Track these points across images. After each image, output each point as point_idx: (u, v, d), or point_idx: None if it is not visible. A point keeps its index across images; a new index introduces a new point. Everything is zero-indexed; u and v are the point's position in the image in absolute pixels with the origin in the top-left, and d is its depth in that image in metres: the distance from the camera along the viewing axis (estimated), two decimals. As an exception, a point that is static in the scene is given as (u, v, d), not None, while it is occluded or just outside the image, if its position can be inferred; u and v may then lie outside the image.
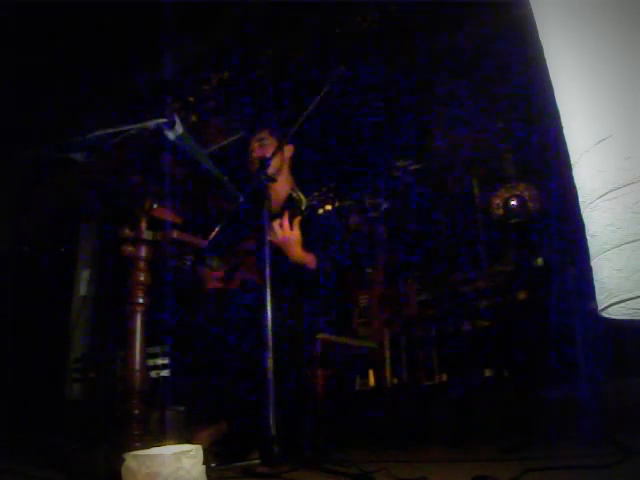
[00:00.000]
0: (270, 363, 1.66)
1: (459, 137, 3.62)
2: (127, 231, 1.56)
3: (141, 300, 1.54)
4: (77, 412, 3.17)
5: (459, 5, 3.14)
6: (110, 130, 1.48)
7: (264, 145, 2.36)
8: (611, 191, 0.77)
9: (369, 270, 2.62)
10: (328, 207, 2.02)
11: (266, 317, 1.71)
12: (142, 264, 1.56)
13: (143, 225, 1.57)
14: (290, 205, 2.33)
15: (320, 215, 2.13)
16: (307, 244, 2.16)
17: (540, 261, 3.10)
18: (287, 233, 2.04)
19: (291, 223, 2.07)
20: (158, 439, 1.52)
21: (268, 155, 2.06)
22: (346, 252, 2.39)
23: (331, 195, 2.02)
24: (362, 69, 3.53)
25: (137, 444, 1.39)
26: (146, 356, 1.57)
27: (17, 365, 3.55)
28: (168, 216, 1.63)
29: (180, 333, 2.18)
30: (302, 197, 2.32)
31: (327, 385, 2.11)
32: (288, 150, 2.43)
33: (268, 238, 1.83)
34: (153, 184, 1.59)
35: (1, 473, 1.65)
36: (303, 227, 2.16)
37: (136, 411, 1.47)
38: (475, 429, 2.51)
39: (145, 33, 3.55)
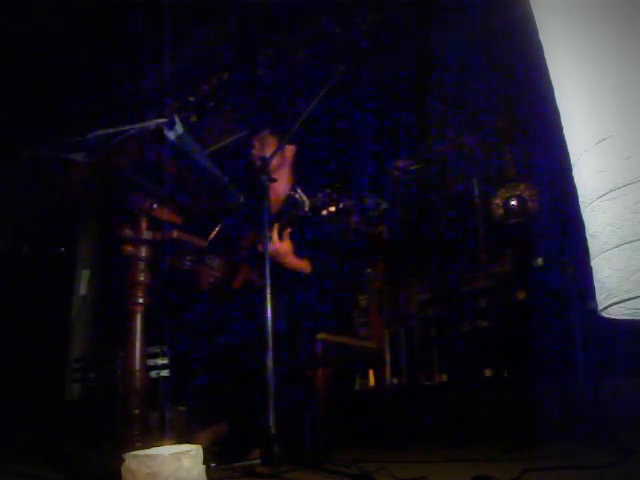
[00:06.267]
0: (270, 363, 1.66)
1: (459, 137, 3.62)
2: (127, 231, 1.56)
3: (141, 300, 1.54)
4: (77, 412, 3.16)
5: (459, 5, 3.15)
6: (110, 130, 1.48)
7: (265, 144, 2.35)
8: (611, 191, 0.77)
9: (369, 270, 2.61)
10: (332, 209, 2.02)
11: (266, 317, 1.72)
12: (142, 264, 1.56)
13: (143, 225, 1.57)
14: (290, 206, 2.32)
15: (320, 218, 2.13)
16: (306, 248, 2.17)
17: (540, 261, 3.10)
18: (277, 246, 2.05)
19: (281, 234, 2.07)
20: (158, 439, 1.52)
21: (268, 154, 2.06)
22: (345, 254, 2.39)
23: (334, 197, 2.02)
24: (362, 69, 3.53)
25: (137, 444, 1.39)
26: (146, 356, 1.56)
27: (17, 365, 3.55)
28: (168, 216, 1.63)
29: (180, 333, 2.18)
30: (305, 198, 2.31)
31: (327, 385, 2.11)
32: (289, 151, 2.42)
33: (264, 245, 1.84)
34: (153, 184, 1.59)
35: (1, 473, 1.65)
36: (304, 230, 2.17)
37: (136, 411, 1.47)
38: (475, 429, 2.51)
39: (145, 33, 3.55)
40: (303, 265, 2.18)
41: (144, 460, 1.08)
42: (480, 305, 3.29)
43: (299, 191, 2.38)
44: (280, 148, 2.12)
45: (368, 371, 3.24)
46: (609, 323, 0.87)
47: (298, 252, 2.15)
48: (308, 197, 2.28)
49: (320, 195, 2.03)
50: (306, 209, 2.09)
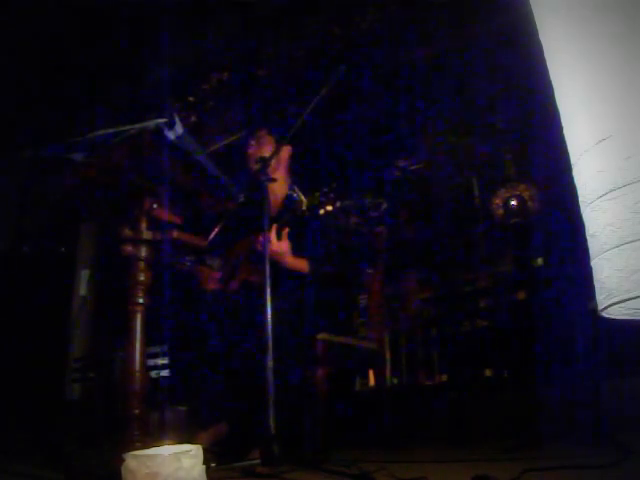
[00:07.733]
0: (270, 363, 1.66)
1: (459, 137, 3.62)
2: (127, 231, 1.56)
3: (141, 300, 1.54)
4: (77, 412, 3.17)
5: (459, 5, 3.15)
6: (110, 130, 1.48)
7: (261, 144, 2.35)
8: (611, 191, 0.77)
9: (369, 270, 2.61)
10: (329, 207, 2.01)
11: (266, 317, 1.72)
12: (142, 264, 1.56)
13: (143, 225, 1.57)
14: (288, 206, 2.32)
15: (318, 217, 2.13)
16: (304, 246, 2.17)
17: (540, 261, 3.10)
18: (275, 246, 2.04)
19: (279, 234, 2.07)
20: (158, 439, 1.52)
21: (264, 154, 2.05)
22: (344, 253, 2.39)
23: (332, 195, 2.02)
24: (362, 69, 3.53)
25: (137, 444, 1.39)
26: (146, 356, 1.56)
27: (17, 365, 3.54)
28: (168, 216, 1.63)
29: (180, 333, 2.17)
30: (302, 198, 2.31)
31: (327, 385, 2.11)
32: (285, 151, 2.40)
33: (264, 245, 1.84)
34: (153, 184, 1.59)
35: (1, 473, 1.65)
36: (301, 229, 2.17)
37: (136, 411, 1.47)
38: (475, 429, 2.51)
39: (145, 33, 3.55)
40: (302, 265, 2.18)
41: (144, 460, 1.08)
42: (480, 305, 3.29)
43: (297, 190, 2.38)
44: (278, 149, 2.12)
45: (368, 371, 3.24)
46: (609, 323, 0.87)
47: (296, 252, 2.15)
48: (306, 196, 2.28)
49: (317, 194, 2.03)
50: (303, 208, 2.09)
